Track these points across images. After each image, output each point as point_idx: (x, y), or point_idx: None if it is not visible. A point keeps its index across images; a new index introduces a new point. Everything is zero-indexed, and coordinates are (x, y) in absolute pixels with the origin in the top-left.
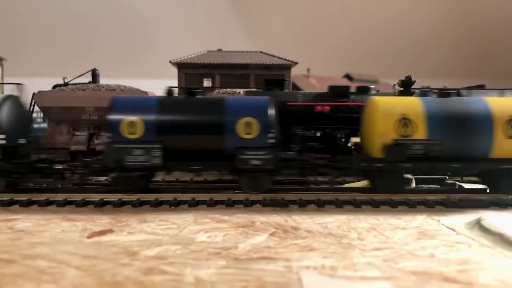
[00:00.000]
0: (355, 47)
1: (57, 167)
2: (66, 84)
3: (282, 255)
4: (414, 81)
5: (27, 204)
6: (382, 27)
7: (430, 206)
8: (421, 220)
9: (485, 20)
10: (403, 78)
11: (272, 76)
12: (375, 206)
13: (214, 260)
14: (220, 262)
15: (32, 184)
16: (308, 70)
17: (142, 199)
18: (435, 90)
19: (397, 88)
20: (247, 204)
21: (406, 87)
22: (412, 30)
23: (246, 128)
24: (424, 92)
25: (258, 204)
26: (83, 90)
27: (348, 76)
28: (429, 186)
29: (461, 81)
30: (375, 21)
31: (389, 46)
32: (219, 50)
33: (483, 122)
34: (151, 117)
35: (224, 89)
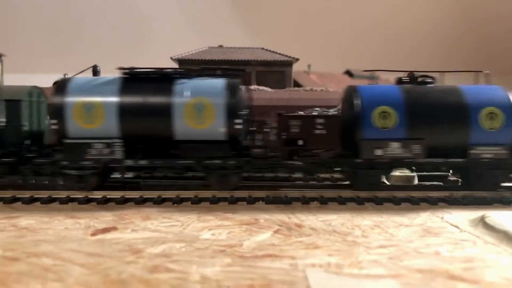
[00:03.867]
0: (356, 44)
1: None
2: None
3: (287, 252)
4: (417, 78)
5: (30, 201)
6: (385, 23)
7: (433, 203)
8: (424, 217)
9: (487, 15)
10: (406, 75)
11: (273, 73)
12: (378, 203)
13: (219, 258)
14: (225, 260)
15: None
16: (309, 66)
17: (145, 196)
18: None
19: None
20: (250, 201)
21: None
22: (415, 27)
23: None
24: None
25: (261, 201)
26: None
27: (348, 72)
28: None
29: (466, 76)
30: (377, 18)
31: (391, 43)
32: (220, 46)
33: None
34: None
35: None
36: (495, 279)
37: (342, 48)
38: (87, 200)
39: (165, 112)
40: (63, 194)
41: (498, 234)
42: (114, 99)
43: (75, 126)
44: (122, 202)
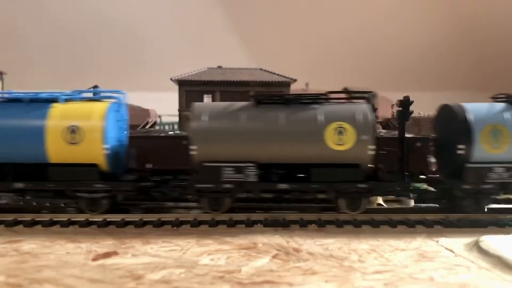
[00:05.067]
0: (354, 62)
1: None
2: None
3: (285, 279)
4: (412, 101)
5: (31, 224)
6: (384, 43)
7: (429, 226)
8: (420, 241)
9: (485, 37)
10: (402, 97)
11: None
12: (375, 226)
13: (218, 284)
14: (224, 287)
15: None
16: (307, 84)
17: (144, 219)
18: None
19: (396, 108)
20: (249, 224)
21: (404, 107)
22: (414, 47)
23: None
24: None
25: (259, 224)
26: None
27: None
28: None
29: (466, 94)
30: (377, 37)
31: (390, 61)
32: (219, 67)
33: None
34: None
35: None
36: None
37: (341, 68)
38: (88, 223)
39: None
40: (64, 217)
41: (492, 259)
42: None
43: (482, 150)
44: (123, 225)
